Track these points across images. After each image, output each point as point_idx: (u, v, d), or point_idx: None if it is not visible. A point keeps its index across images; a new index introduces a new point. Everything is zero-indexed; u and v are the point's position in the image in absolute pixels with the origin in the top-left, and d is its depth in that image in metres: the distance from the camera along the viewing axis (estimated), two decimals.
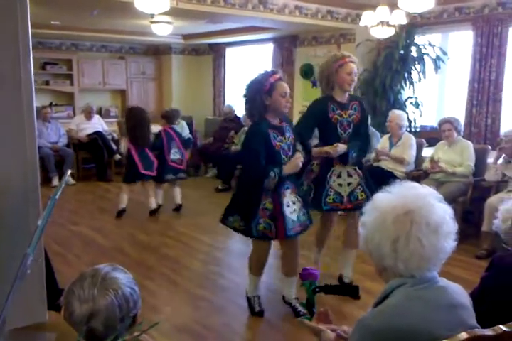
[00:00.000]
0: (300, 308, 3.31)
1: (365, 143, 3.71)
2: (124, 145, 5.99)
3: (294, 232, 3.20)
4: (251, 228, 3.13)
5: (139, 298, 1.43)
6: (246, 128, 7.70)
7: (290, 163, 3.14)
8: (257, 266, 3.43)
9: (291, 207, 3.20)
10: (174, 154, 6.06)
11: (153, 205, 6.02)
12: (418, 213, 1.39)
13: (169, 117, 6.20)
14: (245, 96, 3.15)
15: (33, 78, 1.52)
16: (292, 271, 3.37)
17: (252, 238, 3.28)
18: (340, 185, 3.54)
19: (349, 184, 3.56)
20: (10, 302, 1.28)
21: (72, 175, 7.75)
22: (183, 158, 6.17)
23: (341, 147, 3.45)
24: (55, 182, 7.55)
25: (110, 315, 1.33)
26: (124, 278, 1.40)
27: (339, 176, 3.55)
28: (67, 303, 1.35)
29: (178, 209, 6.22)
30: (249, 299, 3.50)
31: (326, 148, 3.46)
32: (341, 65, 3.46)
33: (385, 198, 1.48)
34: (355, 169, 3.59)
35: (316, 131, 3.61)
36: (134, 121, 5.78)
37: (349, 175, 3.56)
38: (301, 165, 3.19)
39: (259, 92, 3.04)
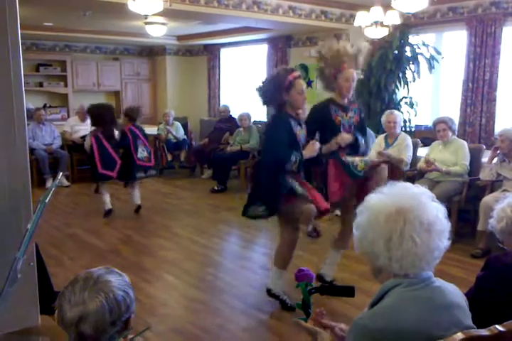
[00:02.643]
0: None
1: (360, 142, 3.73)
2: (88, 141, 5.93)
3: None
4: (276, 209, 3.26)
5: (133, 301, 1.41)
6: (241, 129, 7.73)
7: (308, 148, 3.31)
8: (286, 258, 3.44)
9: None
10: (141, 152, 6.01)
11: (109, 205, 5.97)
12: (411, 212, 1.40)
13: (132, 115, 6.11)
14: (263, 90, 3.31)
15: (23, 79, 1.50)
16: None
17: (292, 207, 3.28)
18: (360, 160, 3.57)
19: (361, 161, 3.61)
20: (1, 307, 1.26)
21: (66, 176, 7.74)
22: (150, 155, 6.11)
23: (345, 135, 3.50)
24: (49, 184, 7.51)
25: (100, 319, 1.31)
26: (117, 281, 1.38)
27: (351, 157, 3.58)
28: (59, 306, 1.34)
29: (137, 210, 6.13)
30: (277, 296, 3.47)
31: (333, 140, 3.48)
32: (341, 71, 3.47)
33: (377, 198, 1.48)
34: (360, 157, 3.60)
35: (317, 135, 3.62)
36: (94, 111, 5.92)
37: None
38: (318, 149, 3.33)
39: (278, 88, 3.21)
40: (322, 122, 3.53)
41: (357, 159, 3.55)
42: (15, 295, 1.37)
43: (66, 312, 1.31)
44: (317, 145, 3.34)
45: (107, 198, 5.97)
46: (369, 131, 5.48)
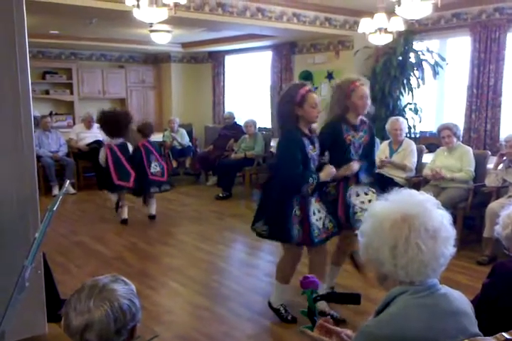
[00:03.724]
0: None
1: (372, 166, 3.74)
2: (103, 154, 5.98)
3: (319, 239, 3.27)
4: (290, 234, 3.20)
5: (139, 310, 1.41)
6: (246, 136, 7.74)
7: (325, 171, 3.26)
8: (287, 274, 3.45)
9: (317, 214, 3.28)
10: (154, 167, 6.07)
11: (125, 215, 6.02)
12: (416, 219, 1.39)
13: (145, 131, 6.20)
14: (276, 108, 3.34)
15: (30, 88, 1.52)
16: (320, 278, 3.37)
17: (288, 243, 3.32)
18: (362, 202, 3.51)
19: (369, 201, 3.52)
20: (9, 315, 1.27)
21: (72, 184, 7.77)
22: (163, 170, 6.19)
23: (355, 166, 3.45)
24: (56, 191, 7.56)
25: (105, 327, 1.31)
26: (122, 289, 1.38)
27: (357, 195, 3.52)
28: (66, 314, 1.34)
29: (150, 218, 6.19)
30: (277, 310, 3.49)
31: (343, 169, 3.41)
32: (353, 90, 3.42)
33: (382, 205, 1.48)
34: (368, 188, 3.57)
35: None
36: (106, 118, 5.99)
37: (366, 193, 3.54)
38: (334, 173, 3.30)
39: (290, 104, 3.18)
40: (333, 140, 3.48)
41: (361, 201, 3.48)
42: (22, 303, 1.38)
43: (72, 320, 1.32)
44: (333, 169, 3.30)
45: (125, 209, 6.04)
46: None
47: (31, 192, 1.55)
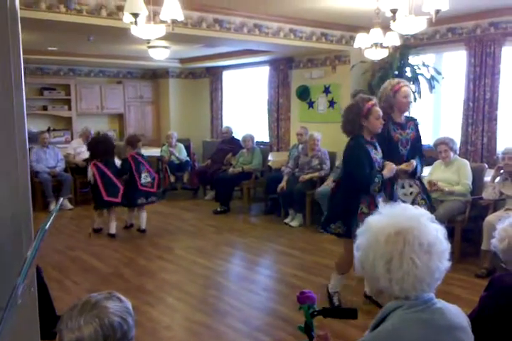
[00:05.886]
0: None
1: (422, 158, 4.06)
2: (90, 172, 6.05)
3: None
4: (351, 230, 3.38)
5: (132, 328, 1.39)
6: (244, 150, 7.75)
7: (387, 168, 3.62)
8: (348, 265, 3.69)
9: None
10: (145, 178, 6.11)
11: (113, 230, 6.07)
12: (410, 233, 1.39)
13: (133, 142, 6.27)
14: (344, 118, 3.65)
15: (25, 104, 1.52)
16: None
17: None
18: (405, 194, 3.87)
19: (411, 193, 3.89)
20: (1, 334, 1.26)
21: (69, 199, 7.76)
22: (153, 180, 6.22)
23: (414, 163, 3.83)
24: (53, 206, 7.54)
25: None
26: (115, 307, 1.36)
27: (403, 187, 3.88)
28: (59, 331, 1.33)
29: (142, 232, 6.22)
30: (330, 294, 3.83)
31: (404, 166, 3.79)
32: (397, 91, 3.85)
33: (376, 219, 1.48)
34: (414, 180, 3.93)
35: None
36: (94, 140, 6.31)
37: (410, 186, 3.90)
38: (395, 168, 3.65)
39: (357, 115, 3.54)
40: (383, 138, 3.80)
41: (403, 193, 3.86)
42: (15, 321, 1.37)
43: (64, 337, 1.31)
44: (393, 165, 3.63)
45: (113, 224, 6.09)
46: None
47: (25, 209, 1.54)
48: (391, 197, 3.70)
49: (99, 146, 6.10)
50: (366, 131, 3.60)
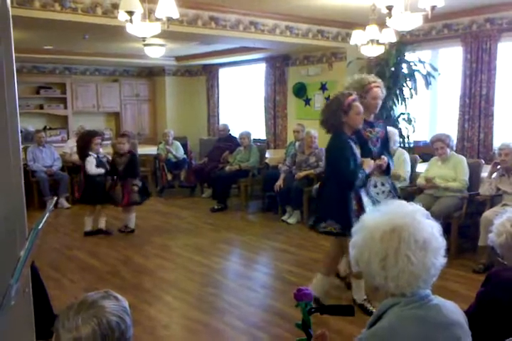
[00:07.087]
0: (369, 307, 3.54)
1: (390, 156, 4.06)
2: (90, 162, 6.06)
3: None
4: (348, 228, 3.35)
5: (130, 327, 1.38)
6: (241, 148, 7.74)
7: (366, 164, 3.59)
8: (336, 263, 3.76)
9: (369, 207, 3.52)
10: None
11: (102, 225, 6.09)
12: (405, 230, 1.39)
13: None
14: (324, 114, 3.62)
15: (17, 100, 1.51)
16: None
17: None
18: (377, 193, 3.84)
19: (383, 192, 3.88)
20: None
21: (66, 198, 7.75)
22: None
23: (386, 159, 3.82)
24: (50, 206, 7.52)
25: None
26: (112, 306, 1.35)
27: (375, 186, 3.85)
28: (56, 331, 1.32)
29: (129, 232, 6.19)
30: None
31: (378, 162, 3.76)
32: (368, 91, 3.79)
33: (372, 217, 1.48)
34: (387, 178, 3.92)
35: None
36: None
37: (382, 184, 3.88)
38: (373, 164, 3.64)
39: (338, 110, 3.51)
40: (360, 135, 3.79)
41: (376, 192, 3.82)
42: (9, 322, 1.36)
43: (61, 337, 1.30)
44: (372, 161, 3.64)
45: (103, 219, 6.11)
46: None
47: (19, 209, 1.54)
48: (367, 193, 3.68)
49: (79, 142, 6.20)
50: (347, 126, 3.57)
